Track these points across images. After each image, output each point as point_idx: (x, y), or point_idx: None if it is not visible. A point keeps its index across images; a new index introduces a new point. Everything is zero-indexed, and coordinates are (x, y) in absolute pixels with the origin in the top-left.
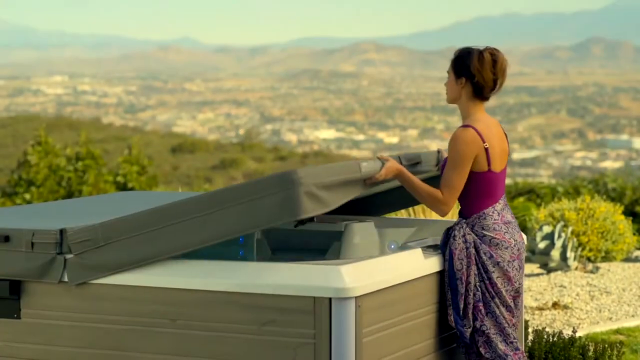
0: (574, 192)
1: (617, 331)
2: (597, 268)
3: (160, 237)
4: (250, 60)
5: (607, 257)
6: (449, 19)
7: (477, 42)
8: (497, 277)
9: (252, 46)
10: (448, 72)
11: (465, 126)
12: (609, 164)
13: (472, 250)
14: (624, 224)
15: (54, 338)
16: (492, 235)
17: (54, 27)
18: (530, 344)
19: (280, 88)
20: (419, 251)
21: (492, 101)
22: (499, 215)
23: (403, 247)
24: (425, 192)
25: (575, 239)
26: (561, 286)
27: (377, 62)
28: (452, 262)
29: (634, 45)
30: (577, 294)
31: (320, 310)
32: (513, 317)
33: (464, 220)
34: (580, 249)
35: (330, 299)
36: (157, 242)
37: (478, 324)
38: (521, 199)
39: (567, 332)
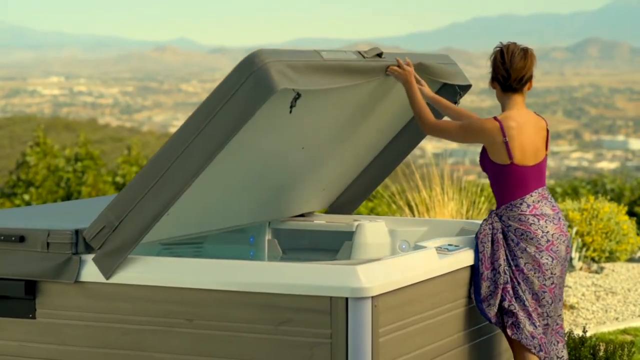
0: (572, 193)
1: (624, 331)
2: (602, 268)
3: (166, 182)
4: None
5: (611, 258)
6: (446, 19)
7: (474, 43)
8: (526, 263)
9: (248, 47)
10: None
11: (495, 118)
12: (605, 165)
13: (500, 236)
14: (628, 225)
15: (69, 338)
16: (516, 225)
17: (51, 27)
18: None
19: None
20: (433, 251)
21: (489, 102)
22: (528, 207)
23: (415, 247)
24: (421, 106)
25: (579, 239)
26: (566, 286)
27: None
28: (477, 245)
29: (630, 46)
30: (583, 294)
31: (337, 310)
32: (540, 306)
33: (494, 211)
34: (584, 249)
35: (346, 298)
36: (166, 187)
37: (506, 304)
38: None
39: (577, 332)
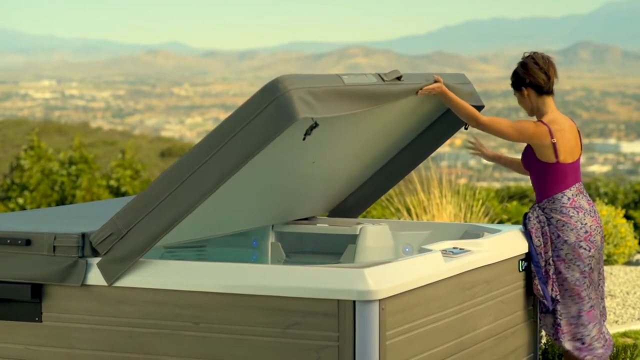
0: None
1: (624, 334)
2: None
3: (177, 197)
4: (239, 64)
5: (609, 261)
6: (437, 23)
7: (466, 46)
8: (567, 253)
9: (240, 50)
10: (514, 94)
11: (540, 122)
12: (597, 168)
13: (547, 229)
14: (626, 228)
15: (75, 341)
16: (558, 217)
17: (42, 31)
18: (543, 346)
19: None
20: (439, 254)
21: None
22: (569, 200)
23: (421, 250)
24: (463, 106)
25: None
26: None
27: (365, 66)
28: (532, 241)
29: (622, 49)
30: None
31: (344, 313)
32: (582, 291)
33: (537, 204)
34: None
35: (354, 301)
36: (177, 202)
37: (553, 294)
38: (514, 203)
39: None
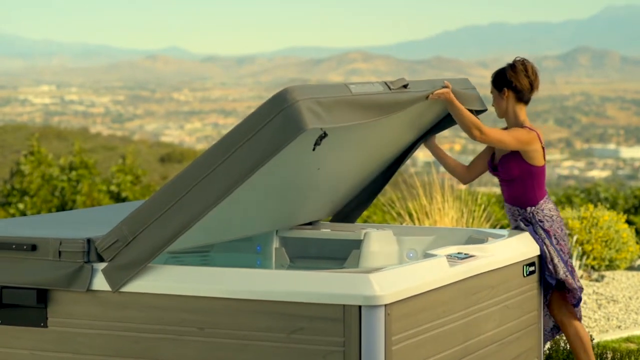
0: (566, 202)
1: (628, 339)
2: (602, 276)
3: (183, 206)
4: (238, 69)
5: (611, 266)
6: (436, 28)
7: (464, 51)
8: (565, 244)
9: (239, 56)
10: (491, 92)
11: (528, 128)
12: (596, 173)
13: (555, 226)
14: (627, 233)
15: (80, 347)
16: (555, 214)
17: (41, 36)
18: (547, 351)
19: (267, 98)
20: (444, 259)
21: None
22: (550, 199)
23: (425, 255)
24: (467, 116)
25: (579, 248)
26: None
27: (365, 71)
28: (550, 239)
29: (621, 54)
30: (585, 302)
31: (350, 318)
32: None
33: (535, 207)
34: (584, 257)
35: (359, 306)
36: (182, 212)
37: (579, 284)
38: None
39: None
